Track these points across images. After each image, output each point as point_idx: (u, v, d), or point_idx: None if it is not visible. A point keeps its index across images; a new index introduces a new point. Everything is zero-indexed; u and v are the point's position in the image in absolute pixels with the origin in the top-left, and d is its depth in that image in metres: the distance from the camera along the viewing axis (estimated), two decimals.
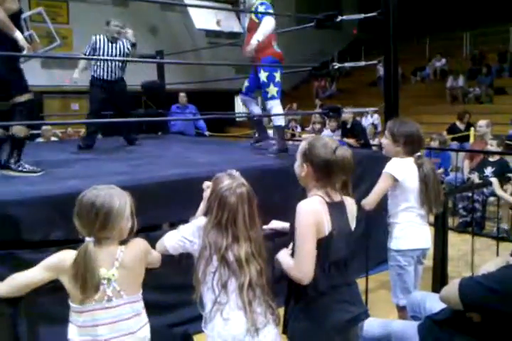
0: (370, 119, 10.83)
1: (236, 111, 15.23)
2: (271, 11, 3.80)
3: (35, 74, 10.88)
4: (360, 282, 2.82)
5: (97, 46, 4.81)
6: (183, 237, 1.75)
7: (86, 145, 4.78)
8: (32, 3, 10.86)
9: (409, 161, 2.57)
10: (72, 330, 1.56)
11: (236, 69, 12.88)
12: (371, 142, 6.64)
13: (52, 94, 11.29)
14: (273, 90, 3.82)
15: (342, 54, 15.93)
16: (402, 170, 2.55)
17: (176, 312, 2.92)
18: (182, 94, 7.81)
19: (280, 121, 3.91)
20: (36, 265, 1.58)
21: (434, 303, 2.05)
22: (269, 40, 3.81)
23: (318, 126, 6.95)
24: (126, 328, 1.58)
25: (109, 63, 4.80)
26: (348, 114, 5.77)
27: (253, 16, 3.84)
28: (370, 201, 2.60)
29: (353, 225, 1.87)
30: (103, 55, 4.81)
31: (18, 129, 3.29)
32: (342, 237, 1.78)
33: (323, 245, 1.74)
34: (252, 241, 1.72)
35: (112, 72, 4.86)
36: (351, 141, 5.69)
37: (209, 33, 12.96)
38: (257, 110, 4.22)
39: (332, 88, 15.21)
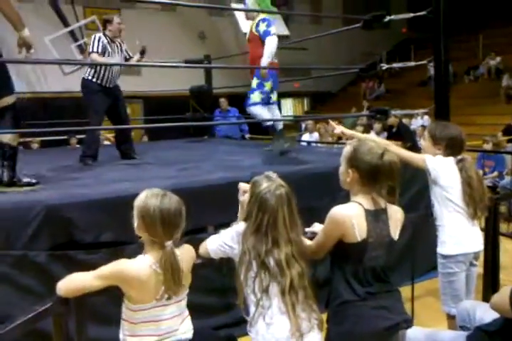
0: (421, 121, 10.54)
1: (282, 113, 15.24)
2: (273, 27, 3.93)
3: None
4: (406, 289, 2.78)
5: (104, 45, 4.35)
6: (224, 242, 1.78)
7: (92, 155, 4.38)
8: (86, 11, 11.30)
9: (451, 161, 2.50)
10: (127, 327, 1.63)
11: (282, 71, 12.87)
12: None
13: None
14: (256, 97, 4.03)
15: (391, 54, 15.62)
16: (439, 164, 2.47)
17: (221, 315, 2.95)
18: (222, 100, 7.85)
19: (280, 125, 4.10)
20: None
21: (484, 313, 1.97)
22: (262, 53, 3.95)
23: (361, 128, 6.84)
24: (173, 325, 1.67)
25: (113, 67, 4.36)
26: (393, 117, 5.62)
27: (253, 28, 4.00)
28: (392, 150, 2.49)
29: (395, 234, 1.82)
30: (109, 56, 4.39)
31: (10, 138, 2.95)
32: (380, 245, 1.76)
33: (356, 251, 1.74)
34: (293, 244, 1.70)
35: (116, 76, 4.48)
36: (398, 144, 5.56)
37: None
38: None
39: (380, 89, 14.93)
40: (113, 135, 9.44)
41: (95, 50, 4.31)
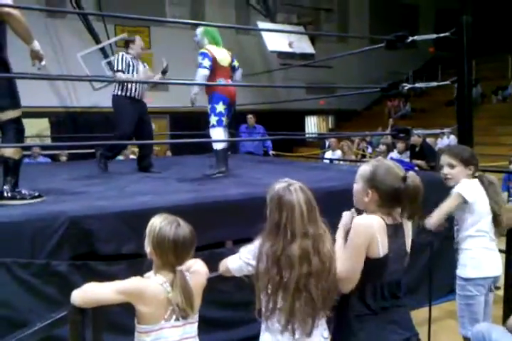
0: (447, 140, 10.42)
1: (306, 131, 15.28)
2: (205, 60, 4.19)
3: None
4: (423, 311, 2.74)
5: (129, 62, 4.66)
6: (245, 262, 1.77)
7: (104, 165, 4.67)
8: (117, 29, 11.66)
9: (477, 183, 2.49)
10: None
11: (307, 89, 12.98)
12: None
13: None
14: (213, 119, 4.32)
15: (418, 73, 15.56)
16: (473, 192, 2.47)
17: (238, 329, 2.95)
18: (249, 116, 7.98)
19: (218, 146, 4.36)
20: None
21: (501, 336, 1.94)
22: (213, 78, 4.26)
23: (384, 147, 6.80)
24: None
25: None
26: (416, 136, 5.59)
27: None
28: (433, 219, 2.50)
29: (408, 247, 1.84)
30: (133, 72, 4.68)
31: (12, 151, 2.94)
32: (398, 260, 1.76)
33: (377, 266, 1.72)
34: (311, 239, 1.67)
35: (142, 91, 4.76)
36: (421, 163, 5.52)
37: (281, 55, 13.20)
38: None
39: (406, 108, 14.85)
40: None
41: (119, 68, 4.63)
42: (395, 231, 1.75)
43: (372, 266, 1.72)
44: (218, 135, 4.30)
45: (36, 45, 2.96)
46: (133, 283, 1.62)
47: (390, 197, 1.74)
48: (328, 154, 8.40)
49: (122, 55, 4.69)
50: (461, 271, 2.50)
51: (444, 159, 2.60)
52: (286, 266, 1.63)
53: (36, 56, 3.00)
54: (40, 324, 1.48)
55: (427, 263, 3.04)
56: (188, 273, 1.71)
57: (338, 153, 7.84)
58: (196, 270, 1.76)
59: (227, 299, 2.85)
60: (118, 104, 4.68)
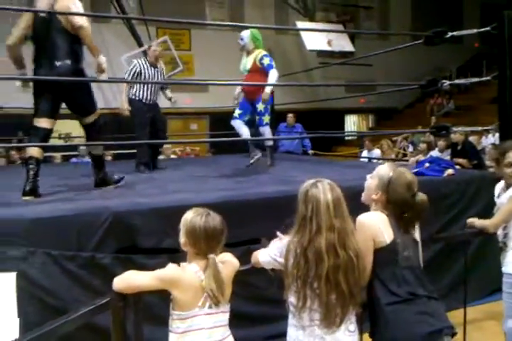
0: (492, 139, 10.09)
1: (346, 130, 15.14)
2: (273, 61, 4.73)
3: (160, 97, 11.92)
4: (459, 312, 2.71)
5: (140, 70, 4.93)
6: (272, 258, 1.85)
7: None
8: (159, 31, 11.93)
9: None
10: (173, 338, 1.73)
11: (347, 88, 12.89)
12: (488, 163, 6.21)
13: (174, 115, 12.24)
14: (267, 118, 4.80)
15: (462, 69, 15.13)
16: None
17: (273, 325, 3.00)
18: (290, 115, 8.01)
19: (270, 142, 5.15)
20: (149, 270, 1.77)
21: None
22: (266, 79, 4.67)
23: (424, 145, 6.67)
24: (217, 335, 1.74)
25: (153, 86, 4.96)
26: (457, 134, 5.48)
27: (257, 61, 4.71)
28: (496, 222, 2.56)
29: (417, 235, 1.93)
30: (148, 78, 4.96)
31: (96, 149, 3.57)
32: (408, 246, 1.84)
33: (388, 252, 1.81)
34: (337, 232, 1.70)
35: (155, 94, 5.03)
36: (463, 161, 5.40)
37: (320, 53, 13.15)
38: (247, 132, 4.79)
39: (449, 105, 14.46)
40: (180, 149, 9.85)
41: (126, 76, 5.06)
42: (397, 220, 1.86)
43: (384, 253, 1.81)
44: (270, 132, 4.82)
45: (102, 58, 3.33)
46: (169, 270, 1.73)
47: (397, 207, 1.86)
48: (364, 153, 8.32)
49: (134, 65, 4.98)
50: (507, 268, 2.49)
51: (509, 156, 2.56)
52: (314, 258, 1.68)
53: (100, 69, 3.36)
54: (84, 309, 1.59)
55: (464, 263, 3.00)
56: (220, 263, 1.78)
57: (376, 153, 7.75)
58: (227, 260, 1.84)
59: (261, 294, 2.91)
60: (132, 108, 4.96)
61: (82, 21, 3.18)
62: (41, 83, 3.26)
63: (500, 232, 2.59)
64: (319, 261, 1.67)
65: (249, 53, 4.82)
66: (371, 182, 1.96)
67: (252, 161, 4.57)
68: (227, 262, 1.84)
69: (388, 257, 1.81)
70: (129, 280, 1.74)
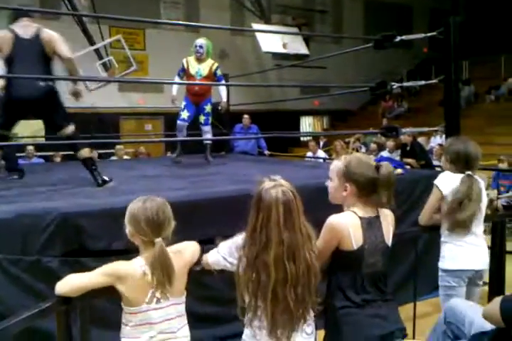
0: (439, 140, 10.48)
1: (301, 131, 15.32)
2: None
3: (113, 97, 11.71)
4: (409, 307, 2.80)
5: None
6: (222, 257, 1.81)
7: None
8: (112, 30, 11.68)
9: (458, 177, 2.53)
10: (125, 331, 1.73)
11: (301, 89, 13.04)
12: (436, 163, 6.45)
13: (127, 115, 12.00)
14: (211, 119, 5.42)
15: (412, 73, 15.62)
16: (448, 184, 2.52)
17: (226, 326, 2.99)
18: (246, 116, 8.04)
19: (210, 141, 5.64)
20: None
21: (467, 308, 2.01)
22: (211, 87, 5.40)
23: (374, 146, 6.86)
24: (171, 327, 1.73)
25: None
26: (406, 135, 5.67)
27: (213, 70, 5.31)
28: (421, 215, 2.62)
29: (389, 239, 1.89)
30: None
31: (84, 152, 3.70)
32: (376, 252, 1.82)
33: (353, 258, 1.79)
34: (285, 245, 1.63)
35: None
36: (412, 161, 5.59)
37: (275, 56, 13.25)
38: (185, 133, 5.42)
39: (399, 108, 14.91)
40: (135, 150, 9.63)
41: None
42: (370, 224, 1.83)
43: (348, 258, 1.80)
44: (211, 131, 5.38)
45: (79, 84, 3.84)
46: (112, 265, 1.72)
47: (367, 187, 1.83)
48: (309, 155, 8.55)
49: None
50: (440, 263, 2.60)
51: None
52: (263, 270, 1.64)
53: (76, 93, 3.90)
54: (27, 313, 1.52)
55: (414, 258, 3.08)
56: (172, 253, 1.74)
57: (321, 155, 7.97)
58: (181, 250, 1.81)
59: (214, 295, 2.89)
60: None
61: (70, 54, 3.67)
62: (21, 103, 3.52)
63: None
64: (267, 274, 1.63)
65: (201, 61, 5.30)
66: (332, 183, 1.94)
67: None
68: (180, 251, 1.81)
69: (352, 263, 1.80)
70: (71, 282, 1.70)
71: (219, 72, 5.33)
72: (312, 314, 1.76)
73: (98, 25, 10.61)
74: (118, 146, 8.31)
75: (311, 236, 1.72)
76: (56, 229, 2.58)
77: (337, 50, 5.37)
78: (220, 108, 5.70)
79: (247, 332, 1.74)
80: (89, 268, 2.55)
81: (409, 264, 3.57)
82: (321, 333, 1.95)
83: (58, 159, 8.67)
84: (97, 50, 10.46)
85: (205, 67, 5.28)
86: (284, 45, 12.22)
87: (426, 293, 3.66)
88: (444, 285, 2.54)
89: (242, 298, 1.72)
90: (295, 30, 13.46)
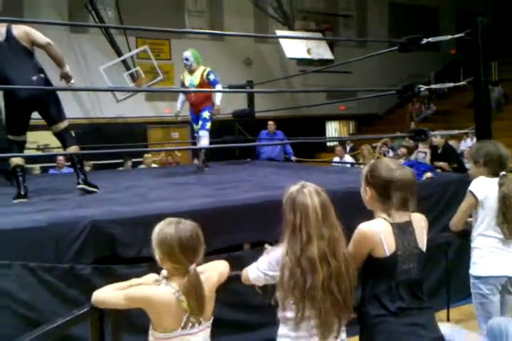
0: (470, 142, 10.26)
1: (327, 136, 15.23)
2: (218, 78, 5.42)
3: (140, 107, 11.91)
4: (442, 314, 2.73)
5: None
6: (263, 272, 1.80)
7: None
8: (139, 41, 11.90)
9: (493, 181, 2.48)
10: None
11: (327, 94, 12.99)
12: (468, 166, 6.31)
13: (155, 124, 12.17)
14: (209, 125, 5.38)
15: (440, 75, 15.37)
16: (483, 189, 2.47)
17: (260, 332, 2.97)
18: (270, 123, 8.04)
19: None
20: (127, 281, 1.74)
21: None
22: (210, 94, 5.40)
23: (404, 150, 6.76)
24: None
25: None
26: (438, 138, 5.57)
27: (204, 77, 5.35)
28: (453, 221, 2.58)
29: (423, 244, 1.85)
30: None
31: (73, 150, 3.75)
32: (410, 258, 1.78)
33: (386, 265, 1.75)
34: (327, 240, 1.68)
35: None
36: (443, 164, 5.48)
37: (300, 62, 13.25)
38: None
39: (427, 111, 14.67)
40: (159, 158, 9.77)
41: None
42: (402, 229, 1.79)
43: (381, 265, 1.77)
44: (208, 137, 5.33)
45: (67, 68, 3.72)
46: (141, 291, 1.63)
47: (383, 190, 1.80)
48: (336, 160, 8.46)
49: None
50: (472, 270, 2.52)
51: None
52: (309, 268, 1.65)
53: (66, 76, 3.74)
54: (61, 320, 1.55)
55: (446, 264, 3.02)
56: (203, 274, 1.68)
57: (348, 160, 7.87)
58: (209, 271, 1.75)
59: (244, 301, 2.88)
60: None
61: (46, 38, 3.57)
62: (25, 103, 3.52)
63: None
64: (314, 270, 1.65)
65: (193, 71, 5.43)
66: (361, 188, 1.93)
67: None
68: (210, 275, 1.74)
69: (386, 270, 1.77)
70: (104, 298, 1.67)
71: (212, 77, 5.33)
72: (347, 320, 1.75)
73: (125, 37, 10.83)
74: (146, 155, 8.45)
75: (343, 236, 1.76)
76: (88, 236, 2.63)
77: (362, 55, 5.33)
78: (213, 113, 5.53)
79: (287, 334, 1.72)
80: (120, 275, 2.64)
81: (440, 270, 3.49)
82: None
83: (88, 168, 8.85)
84: (124, 61, 10.68)
85: (196, 76, 5.39)
86: (309, 51, 12.20)
87: (458, 300, 3.58)
88: (477, 293, 2.46)
89: (283, 307, 1.70)
90: (319, 35, 13.45)
